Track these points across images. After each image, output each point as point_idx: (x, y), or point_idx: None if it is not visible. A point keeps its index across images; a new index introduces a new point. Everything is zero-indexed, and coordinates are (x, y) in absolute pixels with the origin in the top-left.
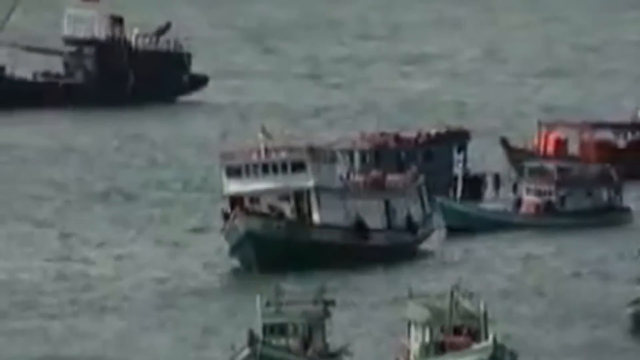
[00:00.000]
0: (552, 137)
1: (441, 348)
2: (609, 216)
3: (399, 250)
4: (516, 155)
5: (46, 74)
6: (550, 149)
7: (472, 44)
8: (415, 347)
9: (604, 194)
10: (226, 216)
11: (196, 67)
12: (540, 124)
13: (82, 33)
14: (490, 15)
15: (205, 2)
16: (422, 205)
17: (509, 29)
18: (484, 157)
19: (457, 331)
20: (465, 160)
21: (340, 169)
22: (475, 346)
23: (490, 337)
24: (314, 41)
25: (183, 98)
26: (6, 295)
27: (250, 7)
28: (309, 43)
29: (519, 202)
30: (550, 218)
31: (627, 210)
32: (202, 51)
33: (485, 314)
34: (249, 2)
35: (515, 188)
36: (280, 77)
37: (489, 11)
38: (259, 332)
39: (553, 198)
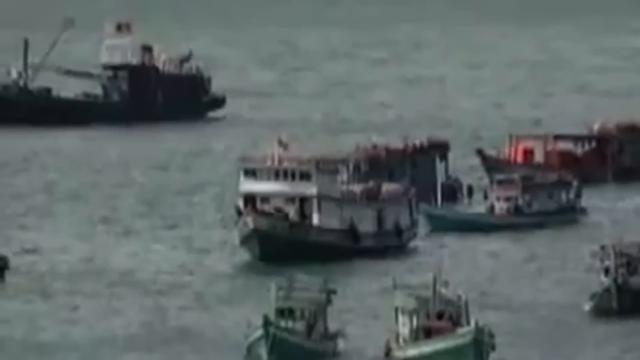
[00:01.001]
0: (520, 148)
1: (427, 332)
2: (569, 216)
3: (387, 246)
4: (490, 163)
5: (86, 94)
6: (519, 158)
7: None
8: (404, 331)
9: (564, 197)
10: (239, 212)
11: (219, 84)
12: (510, 136)
13: (117, 60)
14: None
15: (225, 29)
16: (410, 213)
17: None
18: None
19: (439, 317)
20: (446, 169)
21: (341, 179)
22: (460, 330)
23: (473, 321)
24: (323, 65)
25: (206, 115)
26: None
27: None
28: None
29: (492, 207)
30: (519, 218)
31: (584, 210)
32: (223, 72)
33: (466, 302)
34: (267, 29)
35: (486, 194)
36: (292, 95)
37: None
38: (271, 314)
39: (520, 202)
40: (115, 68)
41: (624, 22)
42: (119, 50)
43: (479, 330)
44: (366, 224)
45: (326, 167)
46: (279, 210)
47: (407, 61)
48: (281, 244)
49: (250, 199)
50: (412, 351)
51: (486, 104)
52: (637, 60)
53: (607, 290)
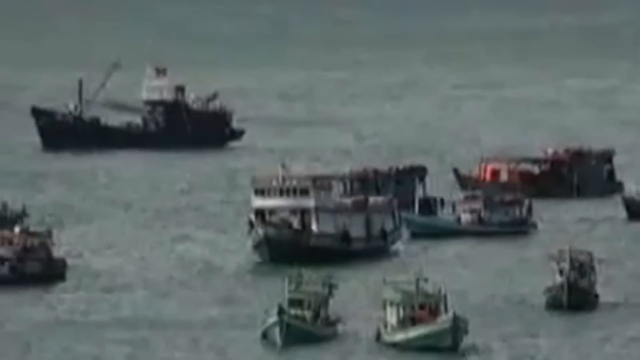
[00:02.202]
0: (489, 168)
1: (412, 320)
2: (521, 228)
3: (373, 252)
4: (464, 181)
5: (129, 124)
6: (488, 176)
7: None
8: (392, 320)
9: (518, 213)
10: (251, 223)
11: (240, 114)
12: (481, 158)
13: (155, 97)
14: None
15: (246, 68)
16: (393, 220)
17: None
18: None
19: (422, 308)
20: (424, 187)
21: (335, 194)
22: (439, 318)
23: (451, 311)
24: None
25: (227, 145)
26: None
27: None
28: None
29: (458, 218)
30: (480, 228)
31: (534, 223)
32: (243, 105)
33: (445, 295)
34: (283, 69)
35: (454, 207)
36: (303, 124)
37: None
38: (284, 304)
39: (482, 214)
40: (153, 104)
41: (583, 65)
42: (157, 89)
43: (455, 319)
44: (357, 230)
45: (321, 183)
46: (284, 220)
47: (402, 99)
48: (286, 248)
49: (260, 213)
50: (399, 336)
51: (463, 133)
52: (586, 98)
53: (560, 287)
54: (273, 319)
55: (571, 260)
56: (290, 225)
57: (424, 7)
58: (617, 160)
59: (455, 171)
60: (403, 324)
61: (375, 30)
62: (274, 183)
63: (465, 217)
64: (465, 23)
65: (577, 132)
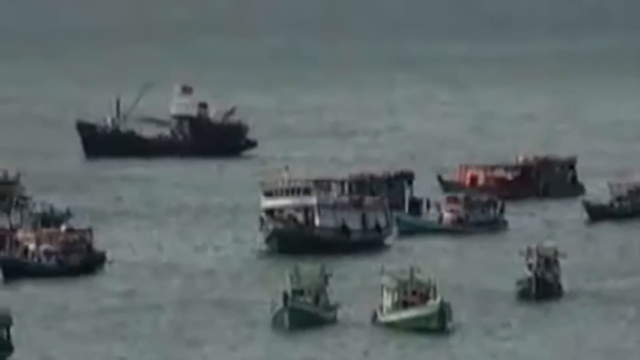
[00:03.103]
0: (468, 174)
1: (404, 304)
2: (495, 226)
3: (369, 244)
4: (447, 185)
5: (160, 136)
6: (467, 181)
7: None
8: (387, 303)
9: (492, 212)
10: (262, 220)
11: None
12: (461, 165)
13: (182, 112)
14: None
15: (261, 88)
16: (385, 217)
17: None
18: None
19: (414, 293)
20: (412, 190)
21: (334, 193)
22: (429, 303)
23: (438, 297)
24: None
25: (243, 154)
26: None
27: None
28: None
29: (441, 217)
30: (460, 227)
31: (505, 222)
32: (258, 120)
33: (435, 284)
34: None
35: (438, 207)
36: (310, 136)
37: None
38: (289, 292)
39: (461, 214)
40: (181, 118)
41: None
42: (183, 105)
43: (442, 304)
44: (354, 224)
45: (321, 184)
46: (290, 216)
47: (397, 114)
48: (293, 240)
49: (269, 211)
50: (393, 317)
51: (447, 143)
52: (554, 113)
53: (529, 280)
54: (280, 304)
55: (538, 256)
56: (295, 221)
57: (422, 35)
58: (579, 166)
59: (439, 177)
60: (397, 307)
61: (378, 55)
62: (280, 185)
63: (447, 216)
64: (456, 49)
65: (545, 142)
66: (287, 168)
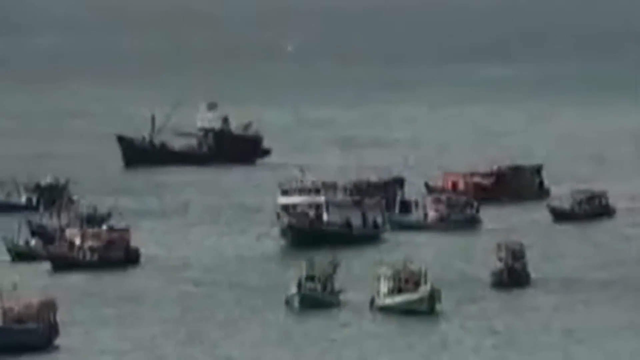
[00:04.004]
0: (450, 180)
1: (399, 290)
2: (472, 224)
3: (368, 238)
4: (432, 189)
5: (188, 146)
6: (449, 187)
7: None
8: (383, 289)
9: (469, 212)
10: (278, 216)
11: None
12: (444, 172)
13: (207, 125)
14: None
15: (276, 104)
16: (382, 215)
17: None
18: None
19: (406, 281)
20: (402, 193)
21: (339, 194)
22: (420, 288)
23: (429, 283)
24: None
25: (258, 161)
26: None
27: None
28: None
29: (426, 215)
30: (443, 224)
31: (481, 221)
32: (275, 133)
33: (425, 272)
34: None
35: (424, 208)
36: (315, 146)
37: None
38: (302, 279)
39: (443, 213)
40: (206, 131)
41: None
42: (208, 120)
43: (431, 290)
44: (356, 220)
45: (329, 186)
46: (303, 212)
47: (394, 128)
48: (304, 233)
49: (285, 208)
50: (389, 301)
51: (433, 153)
52: (526, 127)
53: (501, 271)
54: (293, 289)
55: (508, 250)
56: (307, 216)
57: (424, 59)
58: (545, 174)
59: (426, 183)
60: (392, 292)
61: (382, 78)
62: (294, 185)
63: (431, 215)
64: (453, 73)
65: (516, 152)
66: (302, 170)
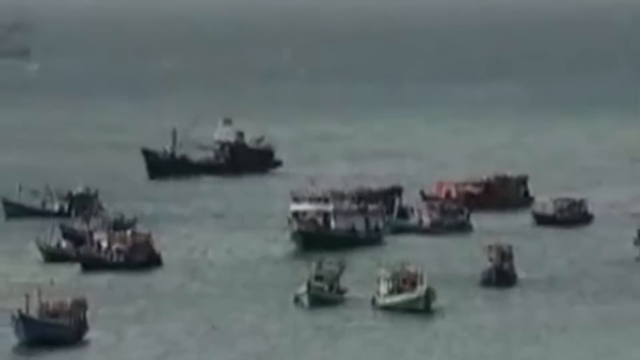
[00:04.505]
0: (444, 189)
1: (398, 290)
2: (463, 228)
3: (371, 242)
4: (426, 197)
5: (206, 158)
6: (443, 195)
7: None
8: (383, 290)
9: (460, 218)
10: (289, 221)
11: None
12: (438, 182)
13: (223, 139)
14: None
15: (288, 122)
16: (383, 221)
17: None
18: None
19: (404, 281)
20: (400, 200)
21: (346, 202)
22: (417, 288)
23: (425, 284)
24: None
25: (271, 171)
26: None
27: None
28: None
29: (421, 221)
30: (437, 229)
31: (471, 226)
32: (285, 146)
33: (422, 273)
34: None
35: (420, 213)
36: (322, 158)
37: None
38: (312, 279)
39: (437, 219)
40: (222, 144)
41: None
42: (225, 134)
43: (428, 289)
44: (359, 226)
45: (337, 195)
46: (312, 219)
47: (393, 140)
48: (313, 238)
49: (296, 214)
50: (388, 300)
51: (428, 165)
52: (513, 141)
53: (490, 271)
54: (303, 289)
55: (498, 251)
56: (316, 222)
57: (422, 79)
58: (530, 183)
59: (422, 191)
60: (391, 292)
61: (384, 96)
62: (305, 194)
63: (426, 221)
64: (449, 91)
65: (504, 164)
66: (312, 181)
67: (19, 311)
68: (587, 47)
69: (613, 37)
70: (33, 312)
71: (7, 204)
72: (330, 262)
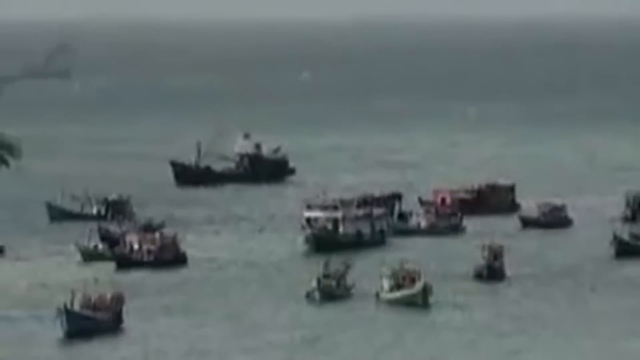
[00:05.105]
0: (439, 195)
1: (399, 286)
2: (456, 230)
3: (375, 244)
4: (424, 203)
5: (228, 168)
6: (439, 201)
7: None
8: (386, 286)
9: (454, 221)
10: (303, 227)
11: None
12: (434, 189)
13: (243, 151)
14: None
15: (305, 133)
16: (386, 224)
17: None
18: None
19: (404, 279)
20: (400, 205)
21: (353, 209)
22: (416, 284)
23: (422, 280)
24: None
25: (286, 179)
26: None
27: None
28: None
29: (419, 223)
30: (432, 231)
31: (464, 228)
32: (298, 156)
33: (419, 270)
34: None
35: (418, 217)
36: (331, 167)
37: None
38: (321, 276)
39: (433, 222)
40: (242, 155)
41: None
42: (244, 146)
43: (425, 285)
44: (365, 229)
45: (345, 203)
46: (323, 224)
47: (397, 153)
48: (324, 241)
49: (308, 220)
50: (390, 295)
51: (425, 174)
52: (502, 154)
53: (483, 267)
54: (314, 285)
55: (491, 250)
56: (326, 227)
57: (423, 97)
58: (517, 191)
59: (419, 198)
60: (393, 288)
61: (386, 112)
62: (317, 202)
63: (424, 223)
64: (447, 107)
65: (494, 173)
66: (324, 191)
67: (64, 305)
68: (577, 69)
69: (601, 61)
70: (76, 306)
71: (51, 208)
72: (336, 262)
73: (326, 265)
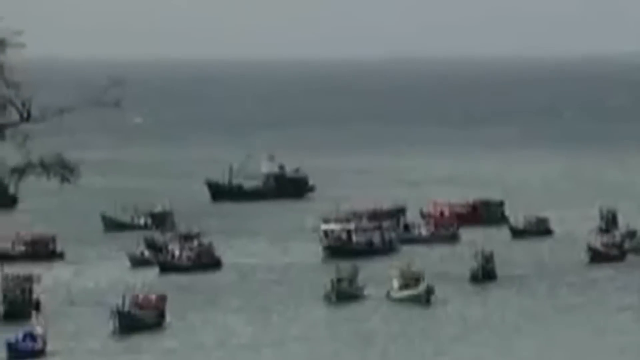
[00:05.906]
0: (438, 209)
1: (406, 286)
2: (453, 239)
3: (385, 251)
4: (425, 215)
5: (256, 187)
6: (438, 214)
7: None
8: (395, 285)
9: (451, 230)
10: (320, 238)
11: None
12: (434, 202)
13: (268, 170)
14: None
15: (323, 155)
16: (396, 234)
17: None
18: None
19: (410, 280)
20: (404, 217)
21: (365, 221)
22: (420, 285)
23: (425, 281)
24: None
25: (306, 195)
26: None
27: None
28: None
29: (420, 233)
30: (432, 239)
31: (460, 237)
32: (317, 175)
33: (423, 273)
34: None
35: (420, 227)
36: (346, 184)
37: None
38: (335, 279)
39: (433, 232)
40: (268, 175)
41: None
42: (269, 167)
43: (427, 286)
44: (376, 239)
45: (357, 215)
46: (339, 235)
47: (399, 169)
48: (340, 250)
49: (325, 232)
50: (398, 295)
51: (426, 191)
52: (497, 173)
53: (477, 269)
54: (329, 287)
55: (483, 255)
56: (341, 238)
57: (426, 124)
58: (506, 205)
59: (421, 210)
60: (400, 288)
61: (390, 136)
62: (333, 216)
63: (425, 233)
64: (447, 133)
65: (486, 191)
66: (337, 205)
67: (116, 304)
68: (569, 96)
69: (591, 89)
70: (126, 305)
71: (105, 219)
72: (346, 266)
73: (337, 269)
